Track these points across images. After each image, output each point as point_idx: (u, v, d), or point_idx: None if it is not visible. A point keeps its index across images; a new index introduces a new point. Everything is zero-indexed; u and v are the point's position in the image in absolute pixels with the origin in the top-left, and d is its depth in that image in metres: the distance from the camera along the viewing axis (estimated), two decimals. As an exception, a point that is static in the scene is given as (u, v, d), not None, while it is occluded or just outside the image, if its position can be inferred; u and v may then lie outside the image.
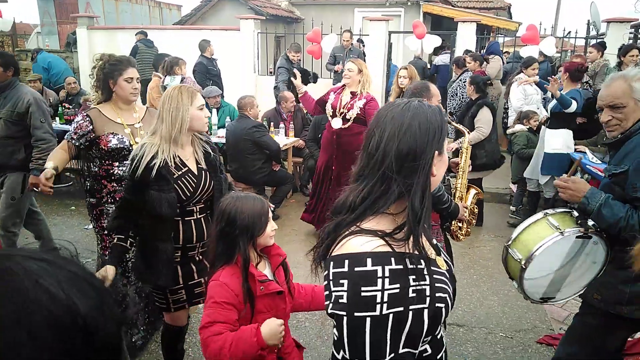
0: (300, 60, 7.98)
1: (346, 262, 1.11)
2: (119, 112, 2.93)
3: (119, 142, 2.85)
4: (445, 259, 1.36)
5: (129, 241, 2.36)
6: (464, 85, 6.47)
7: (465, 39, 8.58)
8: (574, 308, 3.87)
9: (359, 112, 4.54)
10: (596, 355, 2.26)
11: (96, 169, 2.96)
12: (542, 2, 33.68)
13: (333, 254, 1.16)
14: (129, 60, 2.93)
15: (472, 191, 3.15)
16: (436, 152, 1.17)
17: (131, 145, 2.85)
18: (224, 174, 2.57)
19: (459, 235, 3.12)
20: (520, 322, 3.70)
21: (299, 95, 4.85)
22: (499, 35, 12.33)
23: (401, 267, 1.11)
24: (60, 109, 6.97)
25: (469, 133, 3.10)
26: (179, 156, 2.35)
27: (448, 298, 1.20)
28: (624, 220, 1.92)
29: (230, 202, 1.90)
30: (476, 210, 3.17)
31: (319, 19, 9.62)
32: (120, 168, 2.88)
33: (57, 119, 6.91)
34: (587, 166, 4.74)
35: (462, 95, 6.60)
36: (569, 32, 10.28)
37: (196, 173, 2.40)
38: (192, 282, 2.46)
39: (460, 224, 3.09)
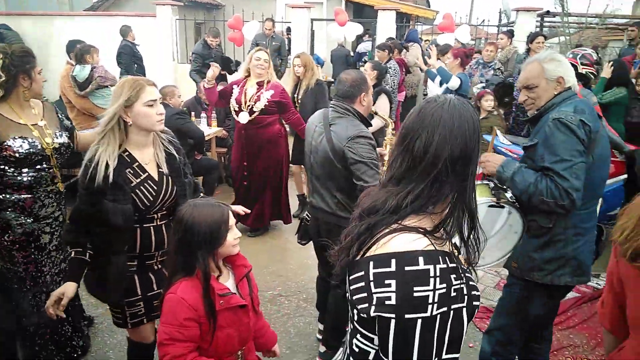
0: (219, 45, 7.79)
1: (393, 261, 1.05)
2: (18, 111, 2.52)
3: (31, 147, 2.46)
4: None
5: (87, 254, 2.13)
6: (394, 73, 6.67)
7: (386, 27, 8.74)
8: (489, 282, 4.11)
9: (267, 104, 4.36)
10: (523, 324, 2.40)
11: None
12: (458, -8, 35.06)
13: (371, 253, 1.10)
14: (32, 52, 2.60)
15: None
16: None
17: (44, 149, 2.51)
18: (188, 177, 2.33)
19: None
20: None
21: (205, 87, 4.52)
22: (418, 23, 12.70)
23: (446, 265, 1.07)
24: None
25: (391, 124, 3.10)
26: (137, 160, 2.12)
27: (479, 296, 1.18)
28: (534, 186, 2.05)
29: (187, 210, 1.76)
30: None
31: (241, 5, 9.41)
32: (31, 174, 2.51)
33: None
34: (498, 147, 5.00)
35: (393, 82, 6.70)
36: (483, 21, 10.81)
37: (157, 179, 2.17)
38: (151, 293, 2.23)
39: None
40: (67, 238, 2.15)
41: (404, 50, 7.51)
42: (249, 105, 4.40)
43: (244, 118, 4.43)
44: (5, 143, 2.41)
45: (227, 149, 6.42)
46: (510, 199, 2.17)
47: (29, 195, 2.53)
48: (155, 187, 2.15)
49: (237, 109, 4.47)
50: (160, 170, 2.19)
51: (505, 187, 2.21)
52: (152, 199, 2.13)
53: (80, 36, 7.44)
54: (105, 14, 11.33)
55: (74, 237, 2.12)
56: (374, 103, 5.01)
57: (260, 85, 4.41)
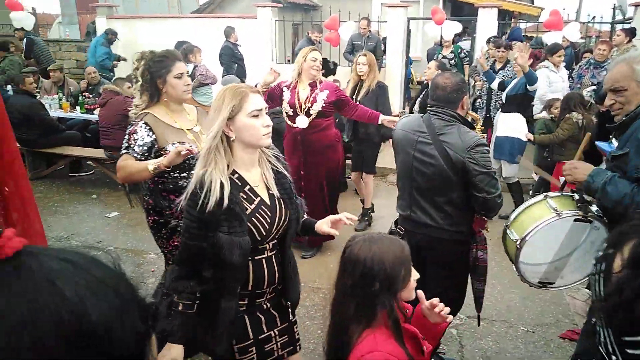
0: (320, 43, 7.95)
1: None
2: (172, 115, 2.54)
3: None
4: None
5: (195, 306, 1.83)
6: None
7: (487, 25, 8.39)
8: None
9: (324, 105, 4.07)
10: None
11: (160, 185, 2.55)
12: (565, -14, 32.78)
13: None
14: (174, 53, 2.57)
15: None
16: None
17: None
18: (299, 198, 2.03)
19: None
20: (543, 316, 3.64)
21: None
22: (521, 20, 12.05)
23: None
24: (80, 98, 7.04)
25: (480, 120, 3.00)
26: (248, 183, 1.85)
27: None
28: (630, 197, 1.88)
29: (363, 247, 1.51)
30: None
31: (337, 6, 9.51)
32: (188, 178, 2.40)
33: (78, 108, 6.99)
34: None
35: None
36: (594, 17, 10.01)
37: (269, 203, 1.88)
38: (262, 335, 1.95)
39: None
40: (175, 286, 1.81)
41: (509, 49, 7.14)
42: (304, 108, 4.09)
43: (303, 122, 4.10)
44: (166, 149, 2.43)
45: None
46: (596, 213, 2.01)
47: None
48: (270, 213, 1.86)
49: (291, 113, 4.15)
50: (270, 192, 1.89)
51: (592, 198, 2.04)
52: (267, 227, 1.85)
53: (187, 37, 7.98)
54: (210, 16, 11.99)
55: (184, 284, 1.79)
56: None
57: (313, 86, 4.12)
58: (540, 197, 2.17)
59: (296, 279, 2.05)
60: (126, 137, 2.48)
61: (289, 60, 9.81)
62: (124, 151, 2.46)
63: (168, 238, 2.67)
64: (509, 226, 2.20)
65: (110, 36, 9.00)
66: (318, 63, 4.14)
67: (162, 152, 2.46)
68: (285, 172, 1.97)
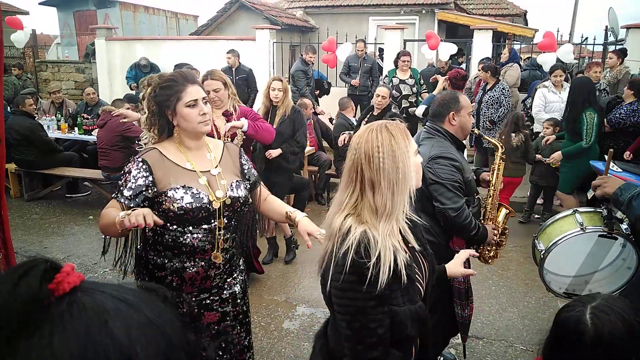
0: (314, 63, 8.05)
1: None
2: (187, 153, 2.02)
3: (195, 200, 1.92)
4: None
5: None
6: (509, 94, 6.54)
7: (482, 46, 8.53)
8: (597, 321, 3.80)
9: (245, 138, 3.53)
10: None
11: (157, 237, 1.99)
12: (558, 8, 33.44)
13: None
14: (186, 75, 2.01)
15: (504, 211, 2.81)
16: None
17: (210, 203, 1.94)
18: (428, 246, 1.68)
19: (487, 258, 2.83)
20: (540, 334, 3.61)
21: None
22: (515, 42, 12.23)
23: None
24: (79, 119, 7.08)
25: (502, 147, 2.81)
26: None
27: None
28: None
29: (591, 320, 1.31)
30: (507, 231, 2.84)
31: (334, 28, 9.66)
32: (196, 235, 1.96)
33: (76, 129, 7.03)
34: (600, 168, 4.65)
35: (508, 103, 6.54)
36: (586, 38, 10.18)
37: (411, 256, 1.52)
38: None
39: (489, 247, 2.79)
40: None
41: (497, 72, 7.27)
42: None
43: None
44: (166, 193, 1.92)
45: (319, 167, 6.56)
46: (624, 231, 2.03)
47: (191, 263, 1.99)
48: (418, 270, 1.54)
49: None
50: (410, 246, 1.52)
51: (619, 213, 2.06)
52: (423, 289, 1.55)
53: (186, 58, 8.06)
54: (208, 38, 12.14)
55: None
56: None
57: (228, 115, 3.50)
58: (570, 211, 2.22)
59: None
60: (121, 178, 2.00)
61: (286, 81, 9.91)
62: (113, 194, 1.97)
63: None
64: (537, 237, 2.27)
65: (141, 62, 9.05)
66: (277, 92, 4.31)
67: (160, 198, 1.92)
68: (416, 219, 1.63)
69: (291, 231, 4.73)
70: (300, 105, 6.63)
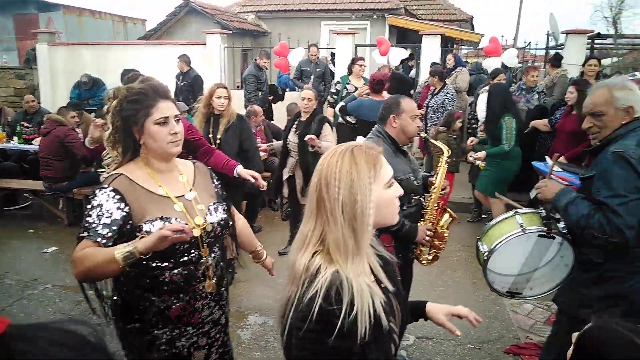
0: (268, 68, 8.00)
1: None
2: (157, 176, 1.79)
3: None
4: None
5: None
6: (453, 97, 6.75)
7: (430, 51, 8.72)
8: (539, 316, 3.94)
9: None
10: None
11: (134, 278, 1.76)
12: (503, 14, 34.76)
13: None
14: (157, 88, 1.78)
15: (445, 215, 2.83)
16: None
17: (192, 230, 1.71)
18: (400, 285, 1.51)
19: (421, 259, 2.86)
20: (488, 332, 3.72)
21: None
22: (463, 47, 12.60)
23: None
24: (18, 127, 6.75)
25: (448, 152, 2.87)
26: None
27: None
28: (585, 219, 1.98)
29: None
30: (446, 234, 2.84)
31: (286, 32, 9.65)
32: (176, 270, 1.75)
33: (16, 138, 6.70)
34: (545, 172, 4.84)
35: (453, 107, 6.70)
36: (529, 43, 10.62)
37: (387, 298, 1.35)
38: None
39: (422, 248, 2.80)
40: None
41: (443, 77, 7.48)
42: None
43: None
44: (141, 227, 1.67)
45: (272, 172, 6.52)
46: (561, 230, 2.11)
47: (175, 300, 1.78)
48: (394, 314, 1.38)
49: None
50: (382, 286, 1.35)
51: (558, 216, 2.15)
52: (398, 336, 1.39)
53: (134, 64, 7.85)
54: (157, 43, 11.87)
55: None
56: (318, 133, 4.60)
57: None
58: (511, 212, 2.27)
59: None
60: (85, 213, 1.69)
61: (238, 87, 9.82)
62: (82, 234, 1.64)
63: (147, 349, 1.82)
64: (481, 239, 2.31)
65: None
66: (222, 100, 4.20)
67: (137, 232, 1.67)
68: (389, 256, 1.46)
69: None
70: (250, 112, 6.59)
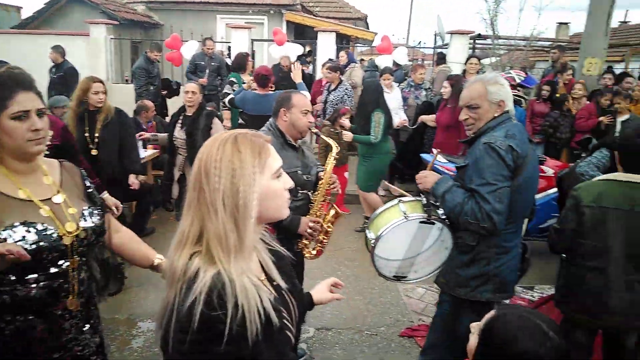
0: (160, 62, 7.64)
1: None
2: (16, 178, 1.58)
3: (42, 238, 1.51)
4: None
5: None
6: (352, 93, 6.85)
7: (326, 48, 8.87)
8: (430, 299, 4.16)
9: (47, 153, 3.36)
10: (454, 342, 2.43)
11: None
12: (395, 14, 36.44)
13: None
14: (17, 77, 1.58)
15: (332, 211, 2.85)
16: None
17: (61, 238, 1.55)
18: (297, 281, 1.47)
19: (305, 253, 2.85)
20: (384, 318, 3.86)
21: None
22: (357, 44, 13.00)
23: None
24: None
25: (337, 147, 2.91)
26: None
27: None
28: (460, 206, 2.12)
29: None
30: (331, 229, 2.85)
31: (180, 25, 9.30)
32: (42, 283, 1.54)
33: None
34: (436, 166, 5.14)
35: (352, 103, 6.82)
36: (420, 42, 11.25)
37: (278, 298, 1.28)
38: None
39: (306, 242, 2.81)
40: None
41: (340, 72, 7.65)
42: None
43: None
44: (0, 235, 1.45)
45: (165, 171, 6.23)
46: (441, 216, 2.23)
47: (40, 319, 1.56)
48: (287, 313, 1.30)
49: None
50: (275, 284, 1.29)
51: (437, 203, 2.27)
52: (292, 335, 1.30)
53: (6, 56, 7.09)
54: (33, 32, 10.82)
55: None
56: (209, 127, 4.53)
57: None
58: (395, 201, 2.36)
59: None
60: None
61: (127, 80, 9.27)
62: None
63: None
64: (368, 227, 2.36)
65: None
66: (101, 95, 3.99)
67: None
68: (283, 251, 1.40)
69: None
70: (141, 107, 6.25)
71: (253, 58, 9.48)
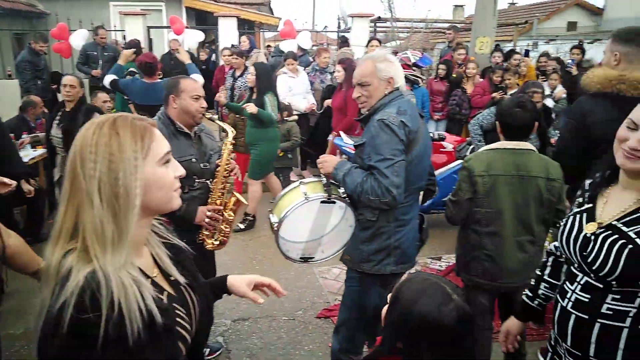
0: (46, 53, 7.02)
1: None
2: None
3: None
4: None
5: None
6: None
7: (227, 34, 8.64)
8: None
9: None
10: (364, 316, 2.48)
11: None
12: None
13: None
14: None
15: (233, 199, 2.83)
16: None
17: None
18: (199, 275, 1.37)
19: (207, 245, 2.79)
20: (300, 302, 3.87)
21: None
22: (263, 30, 12.83)
23: None
24: None
25: (232, 132, 2.87)
26: (146, 274, 1.14)
27: None
28: (360, 186, 2.16)
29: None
30: (231, 218, 2.82)
31: (67, 13, 8.58)
32: None
33: None
34: (343, 147, 5.21)
35: None
36: (326, 27, 11.31)
37: (176, 295, 1.21)
38: None
39: (205, 232, 2.75)
40: None
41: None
42: None
43: None
44: None
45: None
46: (341, 195, 2.25)
47: None
48: (184, 310, 1.21)
49: None
50: (172, 279, 1.22)
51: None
52: (189, 337, 1.21)
53: None
54: None
55: None
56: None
57: None
58: (296, 183, 2.33)
59: None
60: None
61: (9, 75, 8.43)
62: None
63: None
64: (272, 211, 2.32)
65: None
66: None
67: None
68: (180, 243, 1.30)
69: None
70: (28, 103, 5.72)
71: (151, 46, 9.02)
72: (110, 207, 1.03)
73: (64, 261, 1.03)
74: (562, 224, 1.62)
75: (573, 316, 1.51)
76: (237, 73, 6.82)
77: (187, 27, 8.12)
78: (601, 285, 1.45)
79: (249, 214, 5.39)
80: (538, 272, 1.84)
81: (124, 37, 9.06)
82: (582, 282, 1.51)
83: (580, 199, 1.63)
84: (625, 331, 1.41)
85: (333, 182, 2.29)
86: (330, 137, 5.54)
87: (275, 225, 2.25)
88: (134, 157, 1.05)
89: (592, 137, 2.39)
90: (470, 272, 2.57)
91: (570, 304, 1.52)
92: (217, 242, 2.81)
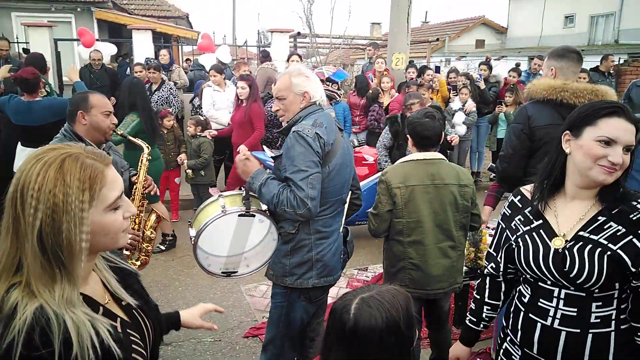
0: None
1: None
2: None
3: None
4: None
5: None
6: (177, 93, 6.71)
7: (142, 47, 8.35)
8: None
9: None
10: (290, 331, 2.44)
11: None
12: (219, 12, 36.12)
13: None
14: None
15: (153, 216, 2.81)
16: None
17: None
18: (150, 298, 1.34)
19: (130, 264, 2.74)
20: (227, 321, 3.76)
21: None
22: (181, 44, 12.54)
23: None
24: None
25: (148, 148, 2.82)
26: (97, 301, 1.10)
27: None
28: (277, 197, 2.14)
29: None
30: (153, 235, 2.78)
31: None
32: None
33: None
34: (266, 162, 5.18)
35: (178, 102, 6.58)
36: (246, 41, 11.26)
37: (130, 321, 1.17)
38: None
39: (127, 253, 2.68)
40: None
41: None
42: None
43: None
44: None
45: None
46: (260, 208, 2.22)
47: None
48: (138, 336, 1.17)
49: None
50: (123, 303, 1.19)
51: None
52: (144, 354, 1.17)
53: None
54: None
55: None
56: None
57: None
58: (216, 196, 2.29)
59: None
60: None
61: None
62: None
63: None
64: (191, 225, 2.28)
65: None
66: None
67: None
68: (126, 265, 1.27)
69: None
70: None
71: (58, 59, 8.49)
72: (53, 254, 0.97)
73: (7, 297, 0.96)
74: (514, 247, 1.62)
75: (563, 333, 1.50)
76: (154, 87, 6.60)
77: (97, 40, 7.73)
78: (584, 294, 1.47)
79: (166, 233, 5.18)
80: (477, 296, 1.86)
81: (24, 51, 8.45)
82: (562, 297, 1.51)
83: (521, 217, 1.65)
84: (613, 334, 1.46)
85: (253, 194, 2.26)
86: (257, 153, 5.48)
87: (193, 238, 2.19)
88: (79, 208, 0.99)
89: (535, 139, 2.66)
90: (398, 282, 2.63)
91: (557, 321, 1.51)
92: (139, 263, 2.69)
